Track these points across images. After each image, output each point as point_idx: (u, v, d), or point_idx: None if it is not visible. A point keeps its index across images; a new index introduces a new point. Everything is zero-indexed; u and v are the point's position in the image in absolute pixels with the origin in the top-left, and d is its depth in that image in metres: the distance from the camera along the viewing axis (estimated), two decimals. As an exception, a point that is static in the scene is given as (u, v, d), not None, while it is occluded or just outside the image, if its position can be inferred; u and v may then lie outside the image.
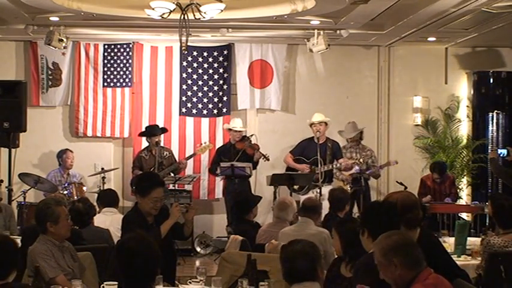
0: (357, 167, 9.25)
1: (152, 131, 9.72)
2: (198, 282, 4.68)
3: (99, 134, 10.55)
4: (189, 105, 10.56)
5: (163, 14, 7.38)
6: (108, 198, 7.17)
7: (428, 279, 3.41)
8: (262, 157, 9.47)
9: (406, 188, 8.76)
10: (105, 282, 4.20)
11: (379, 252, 3.50)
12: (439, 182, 9.56)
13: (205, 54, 10.56)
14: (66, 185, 9.27)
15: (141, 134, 9.96)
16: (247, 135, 9.84)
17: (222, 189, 9.98)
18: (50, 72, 10.48)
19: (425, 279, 3.40)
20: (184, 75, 10.56)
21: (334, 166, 9.34)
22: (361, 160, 9.14)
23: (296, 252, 3.73)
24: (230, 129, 9.86)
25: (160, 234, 5.15)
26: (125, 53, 10.49)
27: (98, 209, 7.07)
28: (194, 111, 10.56)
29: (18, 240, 5.75)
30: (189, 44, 8.24)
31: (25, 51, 10.54)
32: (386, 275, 3.48)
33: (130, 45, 10.48)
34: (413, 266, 3.43)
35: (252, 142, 9.65)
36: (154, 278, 3.65)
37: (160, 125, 10.07)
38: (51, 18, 8.99)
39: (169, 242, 5.43)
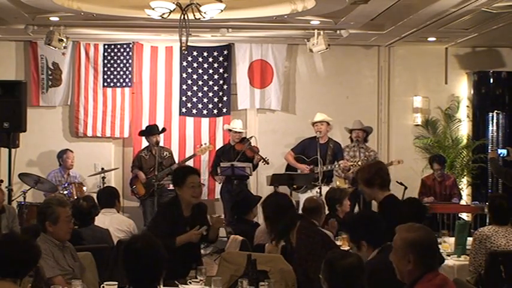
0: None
1: (150, 131, 9.74)
2: (198, 282, 4.68)
3: (99, 134, 10.55)
4: (189, 105, 10.55)
5: (163, 14, 7.38)
6: (105, 198, 6.99)
7: (435, 279, 3.41)
8: (262, 160, 9.46)
9: (406, 188, 8.77)
10: (105, 282, 4.20)
11: (400, 241, 3.47)
12: (440, 180, 9.53)
13: (205, 54, 10.56)
14: (66, 185, 9.27)
15: (141, 133, 9.98)
16: (247, 137, 9.83)
17: (220, 189, 9.97)
18: (50, 72, 10.48)
19: (432, 279, 3.40)
20: (184, 75, 10.55)
21: (334, 167, 9.34)
22: (359, 163, 9.12)
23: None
24: (230, 130, 9.86)
25: (175, 243, 5.23)
26: (124, 53, 10.49)
27: (97, 209, 7.06)
28: (194, 111, 10.56)
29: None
30: (189, 44, 8.24)
31: (25, 51, 10.54)
32: (397, 264, 3.48)
33: (131, 45, 10.48)
34: (425, 266, 3.42)
35: (252, 144, 9.64)
36: (159, 280, 3.64)
37: (161, 125, 10.08)
38: (51, 18, 8.99)
39: (197, 246, 5.62)
